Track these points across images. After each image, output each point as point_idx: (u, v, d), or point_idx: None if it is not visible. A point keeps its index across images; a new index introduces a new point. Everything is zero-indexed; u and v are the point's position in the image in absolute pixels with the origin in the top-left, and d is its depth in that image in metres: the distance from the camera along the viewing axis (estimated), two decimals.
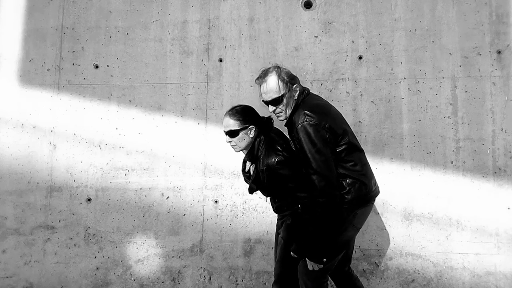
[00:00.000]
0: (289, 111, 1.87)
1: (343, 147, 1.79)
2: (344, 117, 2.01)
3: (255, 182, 1.89)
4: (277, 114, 1.89)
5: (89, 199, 2.69)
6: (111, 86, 2.75)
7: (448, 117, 2.46)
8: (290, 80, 1.86)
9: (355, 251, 2.48)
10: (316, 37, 2.63)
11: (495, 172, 2.40)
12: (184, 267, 2.60)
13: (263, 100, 1.91)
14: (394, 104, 2.52)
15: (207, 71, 2.70)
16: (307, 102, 1.86)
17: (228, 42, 2.70)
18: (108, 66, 2.77)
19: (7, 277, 2.69)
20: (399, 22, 2.56)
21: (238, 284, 2.55)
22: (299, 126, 1.75)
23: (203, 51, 2.71)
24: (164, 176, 2.65)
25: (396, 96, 2.52)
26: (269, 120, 1.94)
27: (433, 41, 2.52)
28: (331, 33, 2.62)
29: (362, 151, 1.91)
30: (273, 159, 1.76)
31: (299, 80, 1.92)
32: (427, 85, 2.50)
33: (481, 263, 2.37)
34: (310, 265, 1.78)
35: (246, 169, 2.02)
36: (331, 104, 1.99)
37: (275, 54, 2.64)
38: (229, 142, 1.90)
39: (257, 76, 1.92)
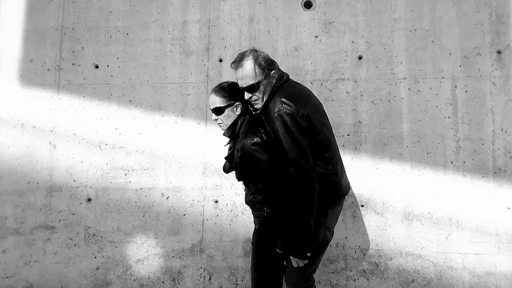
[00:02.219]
0: (266, 99, 1.74)
1: (318, 141, 1.69)
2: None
3: (229, 160, 1.80)
4: (253, 102, 1.77)
5: (89, 199, 2.69)
6: (111, 86, 2.75)
7: (448, 117, 2.46)
8: (267, 65, 1.73)
9: (355, 251, 2.48)
10: (316, 37, 2.63)
11: (495, 172, 2.40)
12: (184, 267, 2.60)
13: (239, 86, 1.79)
14: (394, 104, 2.52)
15: (207, 71, 2.70)
16: (284, 89, 1.74)
17: (228, 42, 2.70)
18: (108, 66, 2.77)
19: (7, 277, 2.69)
20: (399, 22, 2.56)
21: (238, 284, 2.55)
22: (275, 114, 1.64)
23: (203, 51, 2.71)
24: (164, 176, 2.65)
25: (396, 96, 2.52)
26: None
27: (433, 41, 2.52)
28: (331, 33, 2.62)
29: (337, 148, 1.84)
30: (249, 139, 1.66)
31: (277, 66, 1.81)
32: (427, 85, 2.50)
33: (481, 263, 2.37)
34: (295, 262, 1.68)
35: (225, 145, 1.94)
36: (311, 93, 1.88)
37: (275, 54, 2.63)
38: (216, 120, 1.82)
39: (233, 59, 1.79)
